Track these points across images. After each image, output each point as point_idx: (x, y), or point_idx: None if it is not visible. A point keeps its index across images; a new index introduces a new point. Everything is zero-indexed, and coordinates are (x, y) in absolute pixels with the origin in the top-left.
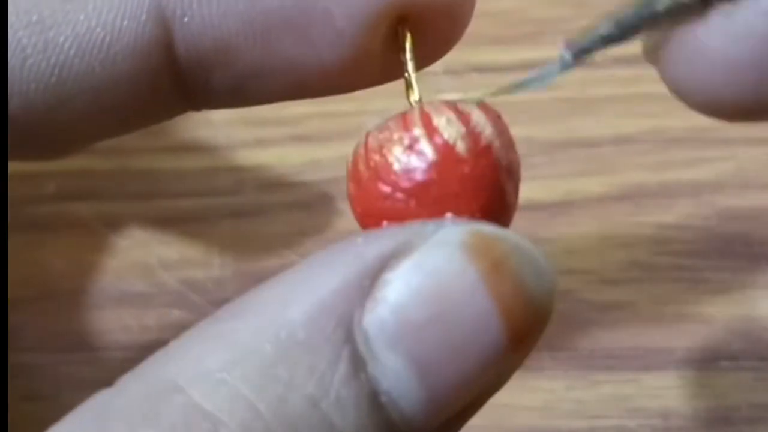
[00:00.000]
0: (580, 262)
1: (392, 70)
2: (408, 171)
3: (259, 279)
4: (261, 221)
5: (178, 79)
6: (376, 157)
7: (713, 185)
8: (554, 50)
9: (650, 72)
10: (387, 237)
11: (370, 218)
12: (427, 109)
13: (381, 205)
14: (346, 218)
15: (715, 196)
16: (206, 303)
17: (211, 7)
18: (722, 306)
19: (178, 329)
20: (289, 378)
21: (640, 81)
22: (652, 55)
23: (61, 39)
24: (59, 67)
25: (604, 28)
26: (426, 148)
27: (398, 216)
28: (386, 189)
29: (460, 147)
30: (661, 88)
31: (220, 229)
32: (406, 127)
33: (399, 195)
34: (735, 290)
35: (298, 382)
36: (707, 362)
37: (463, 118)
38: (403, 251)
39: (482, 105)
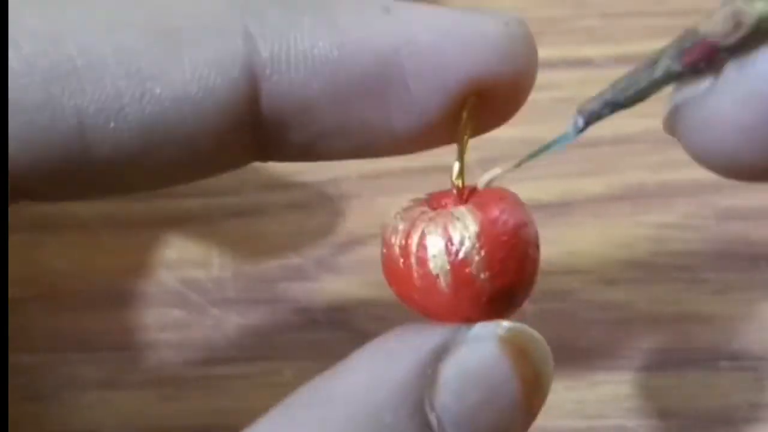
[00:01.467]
0: (580, 262)
1: (450, 136)
2: (446, 296)
3: (259, 279)
4: (261, 221)
5: (258, 133)
6: (423, 269)
7: (713, 185)
8: (553, 50)
9: None
10: (436, 333)
11: (405, 302)
12: (473, 227)
13: (419, 305)
14: (346, 218)
15: (715, 196)
16: (206, 303)
17: (299, 69)
18: (722, 306)
19: (178, 329)
20: None
21: None
22: (669, 127)
23: (158, 90)
24: (153, 117)
25: (609, 94)
26: (464, 280)
27: (433, 317)
28: (425, 299)
29: (495, 284)
30: None
31: (220, 229)
32: (451, 246)
33: (436, 309)
34: (735, 290)
35: None
36: (707, 362)
37: (495, 246)
38: (452, 344)
39: (508, 202)
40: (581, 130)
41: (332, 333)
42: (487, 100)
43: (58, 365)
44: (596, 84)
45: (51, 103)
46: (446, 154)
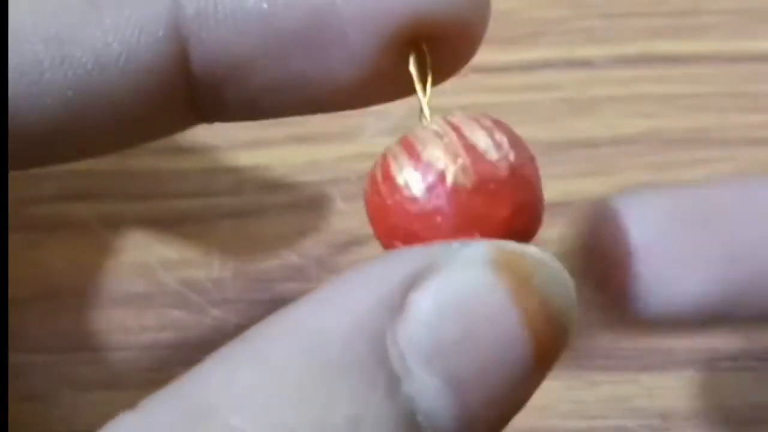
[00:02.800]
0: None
1: (407, 87)
2: (419, 201)
3: (259, 279)
4: (261, 221)
5: (192, 93)
6: (390, 185)
7: None
8: (553, 50)
9: (650, 72)
10: (413, 255)
11: (391, 240)
12: (436, 129)
13: (400, 230)
14: (346, 218)
15: None
16: (206, 303)
17: (227, 25)
18: None
19: (178, 329)
20: (328, 399)
21: (640, 81)
22: None
23: (78, 54)
24: (76, 82)
25: None
26: (433, 179)
27: (418, 239)
28: (401, 217)
29: (469, 173)
30: (661, 89)
31: (220, 229)
32: (414, 153)
33: (415, 223)
34: None
35: (337, 403)
36: (707, 362)
37: (467, 141)
38: (430, 269)
39: (487, 117)
40: None
41: None
42: (436, 47)
43: (58, 365)
44: (596, 84)
45: None
46: None
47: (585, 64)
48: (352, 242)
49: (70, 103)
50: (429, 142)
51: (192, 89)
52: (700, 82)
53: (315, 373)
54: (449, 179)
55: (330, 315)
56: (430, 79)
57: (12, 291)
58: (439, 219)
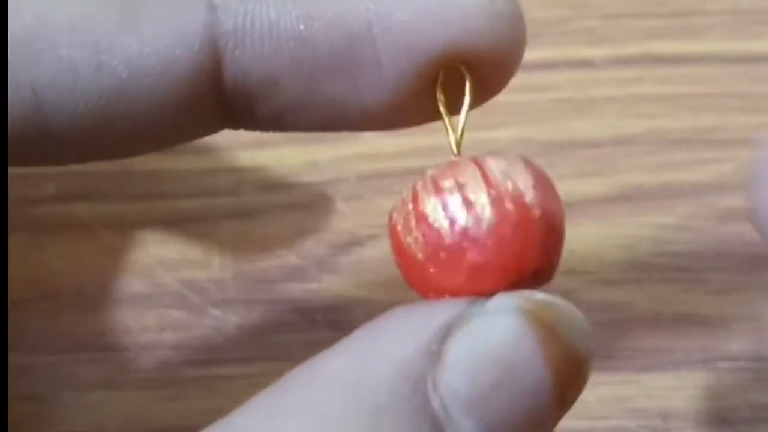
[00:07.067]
0: (580, 263)
1: (437, 112)
2: (438, 244)
3: (259, 279)
4: (261, 222)
5: (222, 104)
6: (406, 228)
7: (713, 186)
8: (553, 51)
9: (650, 72)
10: (447, 306)
11: (415, 282)
12: (447, 172)
13: (423, 273)
14: (346, 218)
15: (715, 197)
16: (206, 303)
17: (262, 43)
18: (722, 306)
19: (178, 329)
20: None
21: (640, 82)
22: None
23: (114, 63)
24: (109, 90)
25: None
26: (445, 222)
27: (443, 282)
28: (422, 260)
29: (489, 214)
30: (661, 89)
31: (220, 230)
32: (425, 199)
33: (434, 267)
34: (735, 290)
35: None
36: (707, 362)
37: (488, 179)
38: (464, 318)
39: (514, 157)
40: None
41: (332, 333)
42: (472, 75)
43: (59, 366)
44: (596, 84)
45: None
46: (447, 154)
47: (585, 64)
48: (352, 242)
49: (102, 110)
50: (396, 211)
51: (222, 100)
52: (700, 82)
53: (365, 422)
54: (406, 249)
55: (373, 364)
56: (466, 107)
57: (12, 291)
58: (414, 286)
